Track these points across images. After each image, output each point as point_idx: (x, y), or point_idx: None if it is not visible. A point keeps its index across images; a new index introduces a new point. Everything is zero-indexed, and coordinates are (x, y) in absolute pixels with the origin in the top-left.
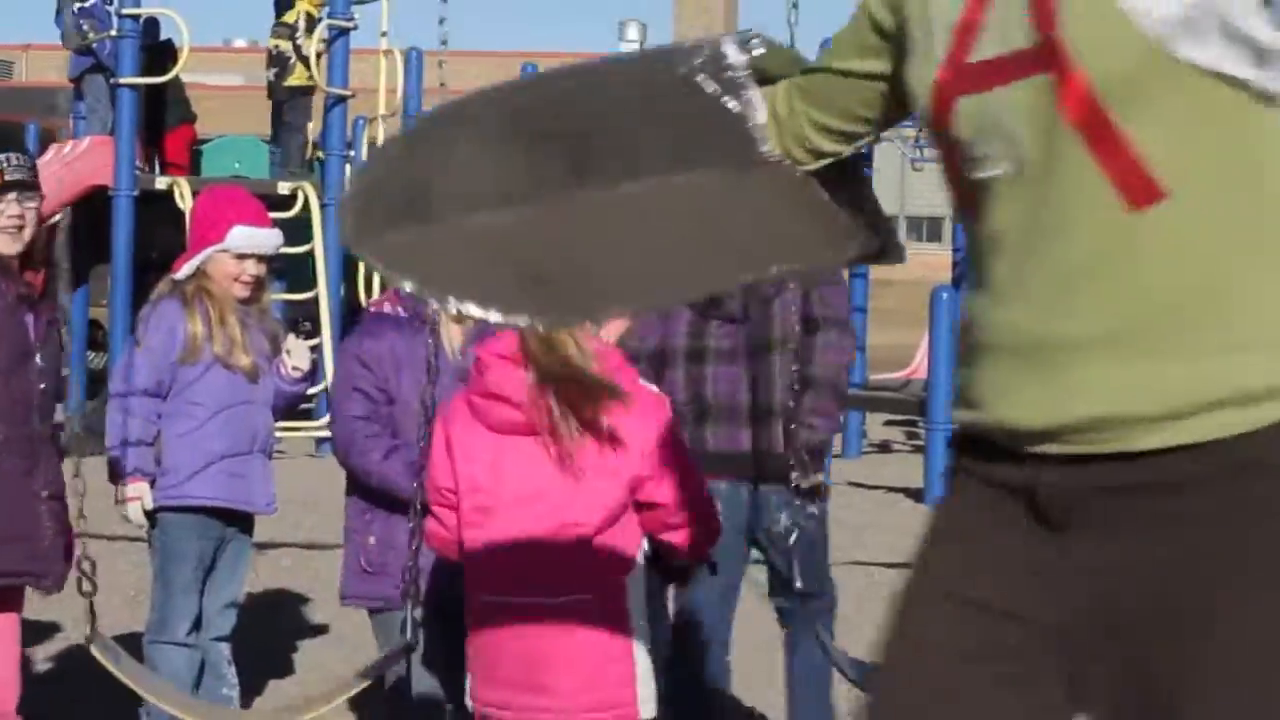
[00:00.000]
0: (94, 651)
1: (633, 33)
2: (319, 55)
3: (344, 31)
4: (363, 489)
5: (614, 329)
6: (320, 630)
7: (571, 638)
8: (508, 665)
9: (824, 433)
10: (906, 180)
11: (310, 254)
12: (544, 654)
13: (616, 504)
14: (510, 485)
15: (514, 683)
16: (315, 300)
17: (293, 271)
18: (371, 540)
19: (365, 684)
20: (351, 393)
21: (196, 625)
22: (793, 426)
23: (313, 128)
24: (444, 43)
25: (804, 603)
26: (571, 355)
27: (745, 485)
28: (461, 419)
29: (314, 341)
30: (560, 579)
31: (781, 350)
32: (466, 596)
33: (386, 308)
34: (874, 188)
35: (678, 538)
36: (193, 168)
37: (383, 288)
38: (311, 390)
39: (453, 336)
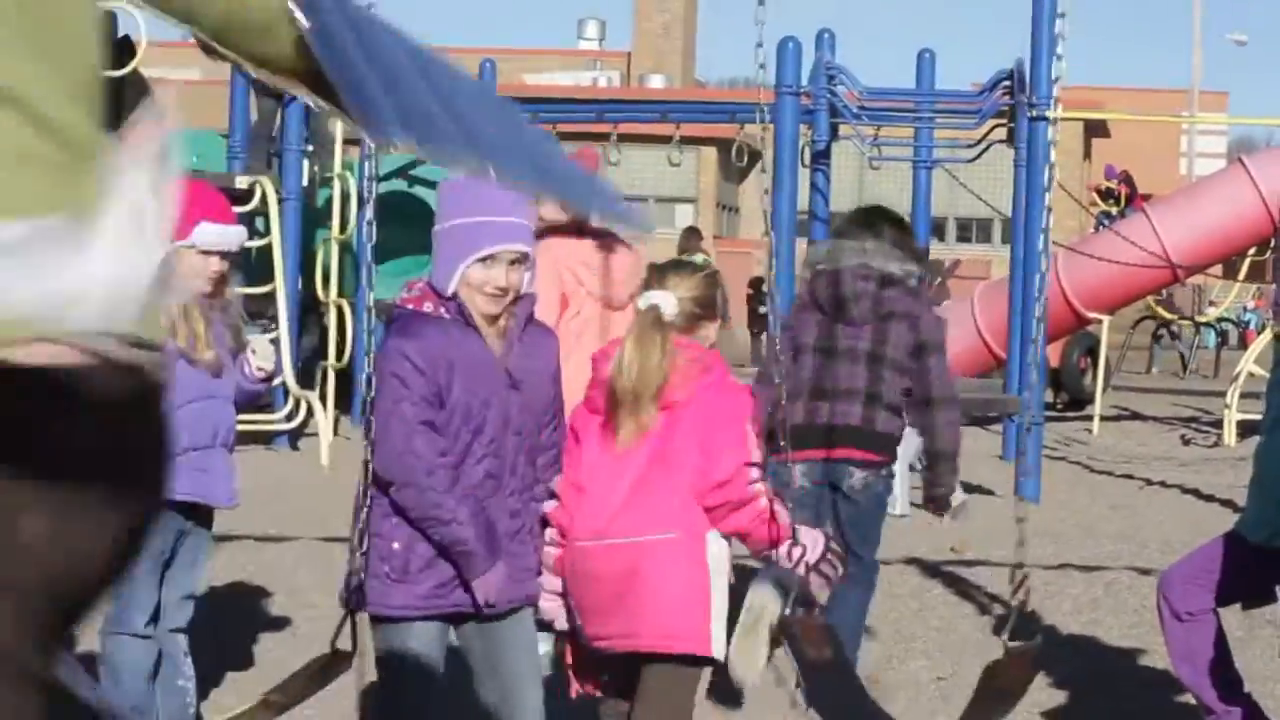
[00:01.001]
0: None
1: (591, 30)
2: None
3: None
4: (387, 491)
5: (710, 333)
6: (276, 622)
7: (660, 573)
8: (604, 598)
9: (948, 491)
10: (865, 179)
11: (267, 247)
12: (635, 587)
13: (693, 466)
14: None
15: (607, 612)
16: (272, 294)
17: (246, 264)
18: (396, 546)
19: (308, 695)
20: (407, 409)
21: (154, 617)
22: (929, 490)
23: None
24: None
25: (855, 561)
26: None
27: (825, 463)
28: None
29: (271, 335)
30: (652, 520)
31: (892, 368)
32: (565, 537)
33: (427, 307)
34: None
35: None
36: None
37: (340, 282)
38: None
39: (490, 338)
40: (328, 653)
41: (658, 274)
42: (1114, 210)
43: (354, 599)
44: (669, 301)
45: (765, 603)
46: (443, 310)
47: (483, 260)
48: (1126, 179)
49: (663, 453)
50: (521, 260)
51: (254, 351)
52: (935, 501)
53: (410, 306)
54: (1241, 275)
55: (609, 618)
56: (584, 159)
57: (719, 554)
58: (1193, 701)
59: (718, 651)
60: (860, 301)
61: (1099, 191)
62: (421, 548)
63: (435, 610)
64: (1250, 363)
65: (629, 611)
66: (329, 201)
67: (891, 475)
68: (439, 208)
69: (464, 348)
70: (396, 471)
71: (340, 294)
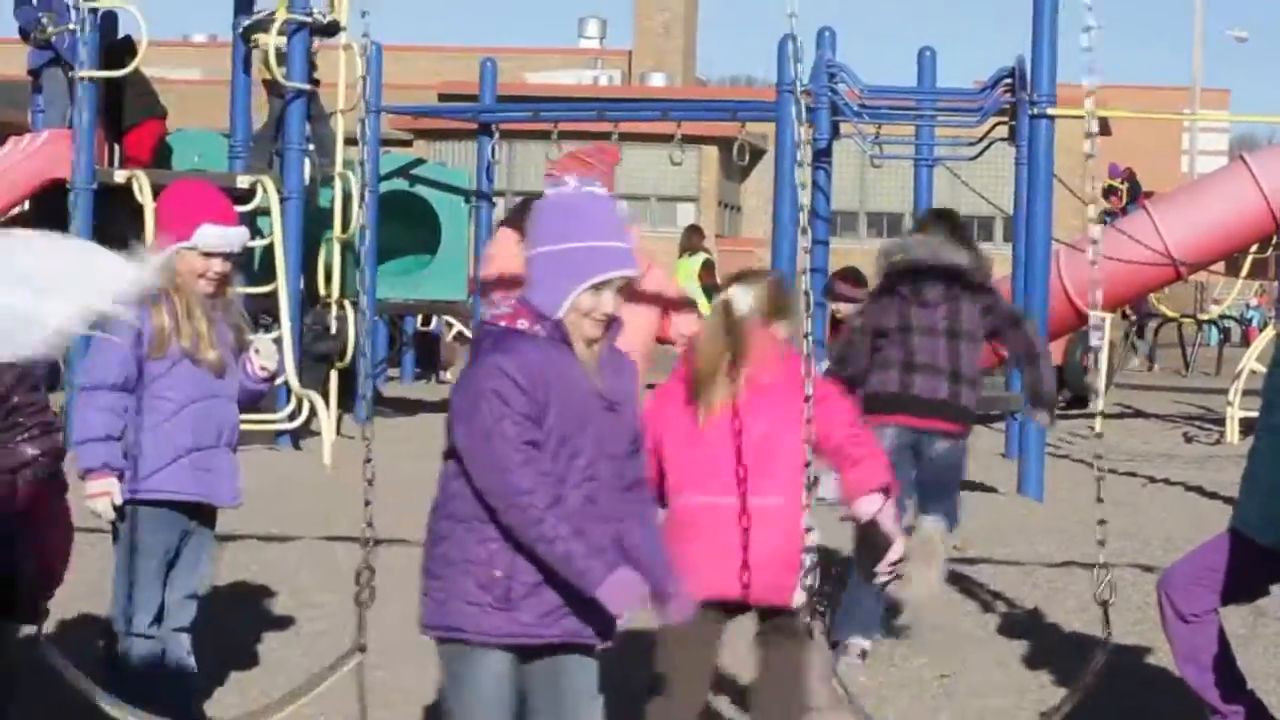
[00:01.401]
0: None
1: (592, 29)
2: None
3: (302, 26)
4: (488, 512)
5: (783, 330)
6: (279, 622)
7: (763, 529)
8: (713, 551)
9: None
10: (866, 177)
11: (269, 247)
12: (740, 541)
13: (783, 432)
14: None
15: (715, 564)
16: (274, 294)
17: (248, 263)
18: (498, 573)
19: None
20: (509, 427)
21: (158, 617)
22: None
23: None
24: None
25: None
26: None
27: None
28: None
29: (274, 335)
30: (757, 483)
31: (968, 339)
32: (672, 500)
33: (522, 324)
34: (832, 184)
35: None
36: (161, 162)
37: (342, 283)
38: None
39: (586, 360)
40: (348, 651)
41: (738, 276)
42: (1117, 209)
43: (361, 595)
44: (744, 298)
45: (932, 534)
46: (539, 329)
47: (595, 287)
48: (1130, 177)
49: (761, 428)
50: (624, 285)
51: (257, 351)
52: (1041, 400)
53: (504, 323)
54: (1244, 272)
55: (717, 570)
56: (604, 154)
57: (806, 519)
58: (1196, 700)
59: (796, 602)
60: (936, 286)
61: (1102, 190)
62: (525, 574)
63: (538, 639)
64: (1253, 360)
65: (735, 565)
66: (330, 201)
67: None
68: (540, 226)
69: (561, 368)
70: (500, 493)
71: (342, 293)
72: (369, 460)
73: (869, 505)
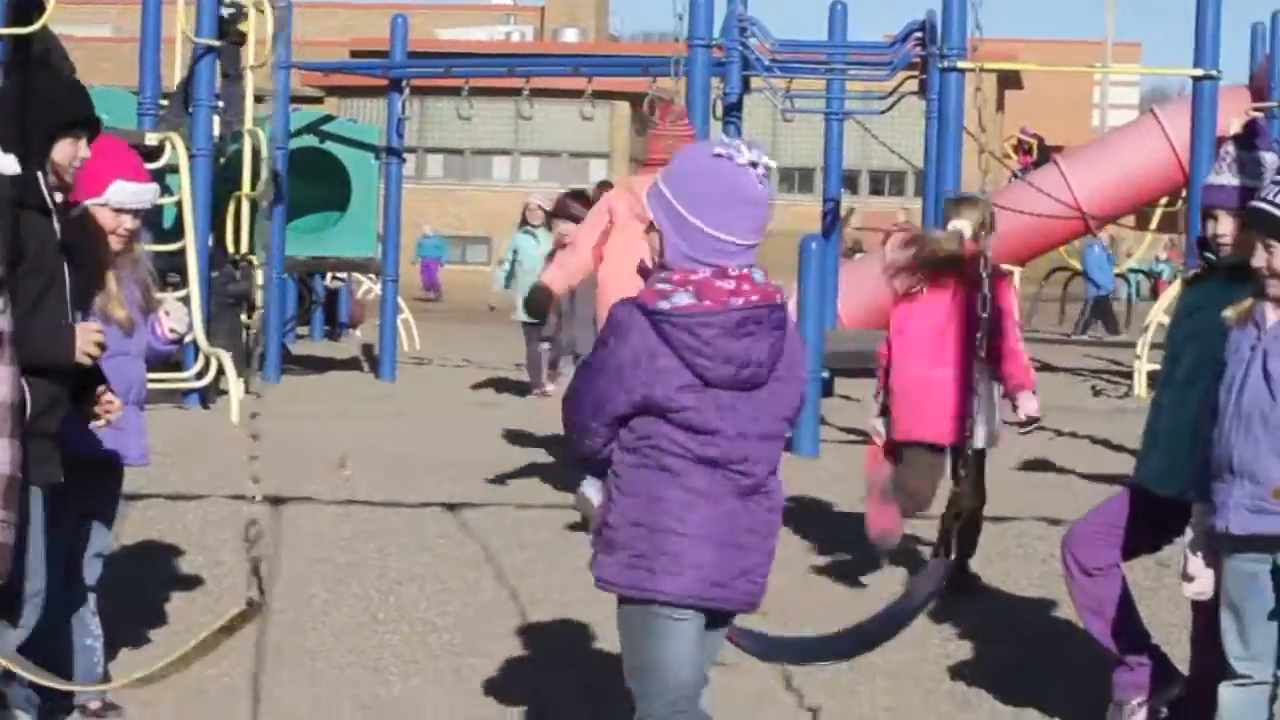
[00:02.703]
0: None
1: None
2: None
3: None
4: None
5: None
6: (187, 580)
7: (948, 393)
8: (925, 406)
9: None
10: (777, 131)
11: (177, 205)
12: (945, 400)
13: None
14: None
15: (927, 415)
16: (182, 252)
17: (156, 221)
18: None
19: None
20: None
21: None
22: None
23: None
24: None
25: None
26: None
27: None
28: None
29: (181, 294)
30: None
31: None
32: (895, 370)
33: (663, 304)
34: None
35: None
36: None
37: (251, 243)
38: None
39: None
40: (241, 609)
41: (954, 204)
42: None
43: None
44: (967, 224)
45: None
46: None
47: None
48: (1040, 144)
49: (955, 319)
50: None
51: (167, 313)
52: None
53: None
54: (1154, 226)
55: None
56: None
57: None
58: (1100, 651)
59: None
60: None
61: (1014, 146)
62: (695, 538)
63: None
64: (1160, 313)
65: (927, 415)
66: (235, 157)
67: None
68: (686, 177)
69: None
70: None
71: (251, 251)
72: (254, 415)
73: (1027, 400)
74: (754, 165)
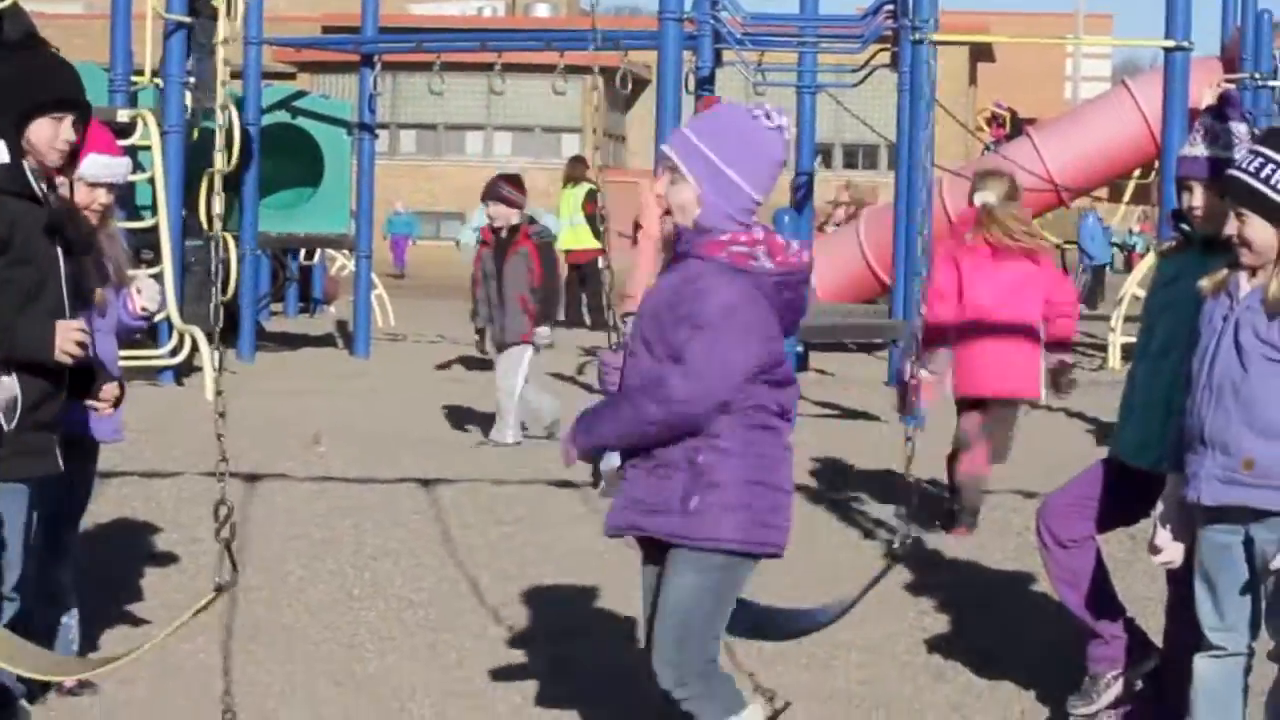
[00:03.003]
0: None
1: None
2: None
3: None
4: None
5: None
6: (162, 558)
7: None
8: (987, 361)
9: None
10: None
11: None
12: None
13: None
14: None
15: (1000, 374)
16: (155, 228)
17: (130, 198)
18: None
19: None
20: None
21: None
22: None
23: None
24: None
25: None
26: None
27: None
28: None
29: (154, 270)
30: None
31: None
32: (966, 332)
33: (756, 265)
34: None
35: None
36: None
37: (225, 216)
38: (156, 317)
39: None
40: (213, 594)
41: (980, 176)
42: (1000, 138)
43: (221, 531)
44: (991, 194)
45: None
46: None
47: None
48: (1013, 117)
49: (1023, 281)
50: None
51: (139, 291)
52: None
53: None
54: (1126, 198)
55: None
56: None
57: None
58: (1075, 624)
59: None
60: None
61: (985, 119)
62: (789, 491)
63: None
64: (1134, 286)
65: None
66: (205, 133)
67: None
68: (731, 137)
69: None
70: None
71: (224, 227)
72: (220, 392)
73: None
74: (780, 130)
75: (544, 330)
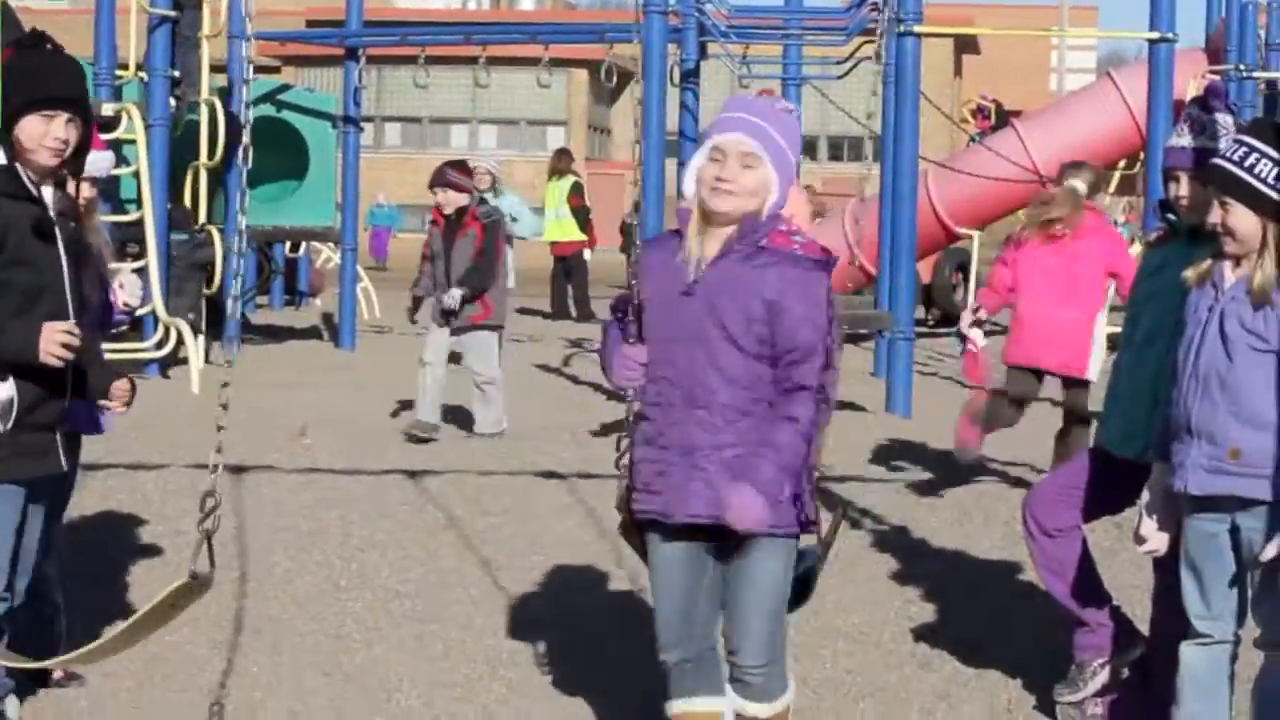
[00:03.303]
0: None
1: None
2: None
3: None
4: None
5: (1102, 200)
6: (147, 550)
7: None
8: (1052, 341)
9: None
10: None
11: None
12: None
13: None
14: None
15: (1053, 349)
16: (140, 222)
17: (114, 192)
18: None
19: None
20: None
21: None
22: None
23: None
24: None
25: None
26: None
27: None
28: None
29: (139, 264)
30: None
31: None
32: (1026, 305)
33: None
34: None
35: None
36: None
37: (209, 211)
38: (140, 311)
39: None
40: (185, 581)
41: (1069, 167)
42: (986, 129)
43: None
44: (1080, 183)
45: None
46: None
47: None
48: (998, 109)
49: (1080, 268)
50: None
51: (121, 285)
52: None
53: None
54: (1111, 189)
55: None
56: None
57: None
58: (1061, 613)
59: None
60: None
61: (971, 111)
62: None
63: None
64: None
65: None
66: (189, 127)
67: None
68: (795, 136)
69: None
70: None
71: (209, 220)
72: (226, 384)
73: None
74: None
75: (455, 292)
